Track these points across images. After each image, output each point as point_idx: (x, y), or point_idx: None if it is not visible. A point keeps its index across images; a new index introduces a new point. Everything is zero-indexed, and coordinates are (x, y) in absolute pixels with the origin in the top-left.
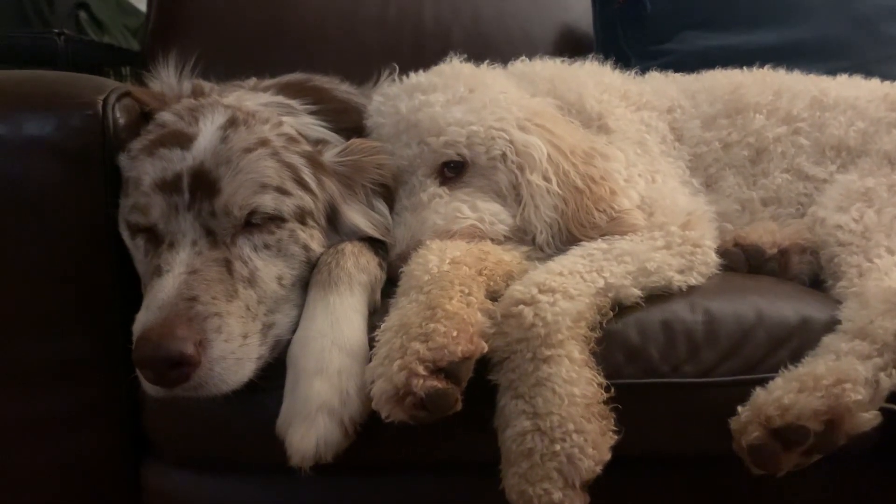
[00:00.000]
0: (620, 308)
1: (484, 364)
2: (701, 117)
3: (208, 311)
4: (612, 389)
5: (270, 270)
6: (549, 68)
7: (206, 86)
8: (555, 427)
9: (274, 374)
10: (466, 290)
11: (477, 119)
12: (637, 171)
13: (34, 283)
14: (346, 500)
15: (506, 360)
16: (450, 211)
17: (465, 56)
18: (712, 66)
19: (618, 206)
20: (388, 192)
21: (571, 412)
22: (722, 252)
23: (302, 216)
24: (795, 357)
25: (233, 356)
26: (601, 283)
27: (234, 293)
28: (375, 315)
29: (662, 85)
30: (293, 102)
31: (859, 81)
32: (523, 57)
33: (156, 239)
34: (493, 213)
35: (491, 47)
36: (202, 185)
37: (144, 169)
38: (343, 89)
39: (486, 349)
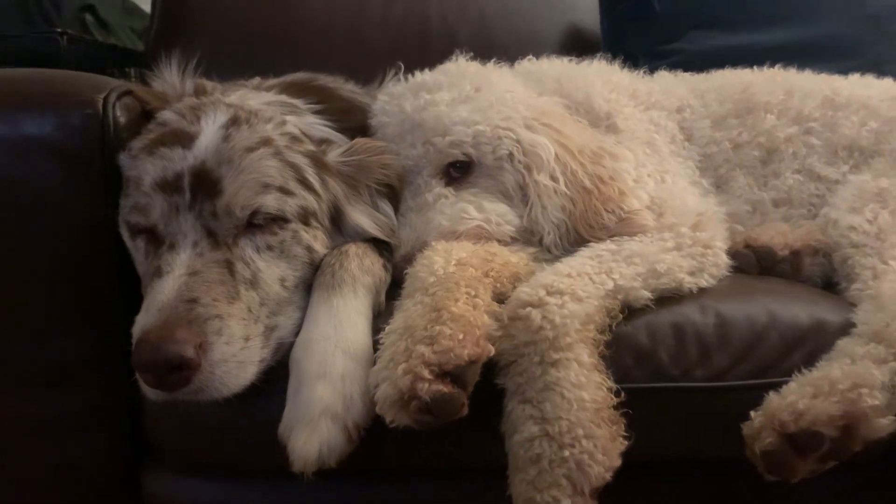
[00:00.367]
0: (630, 310)
1: (491, 368)
2: (711, 117)
3: (209, 314)
4: (622, 394)
5: (273, 272)
6: (557, 67)
7: (209, 85)
8: (563, 432)
9: (277, 377)
10: (472, 292)
11: (483, 118)
12: (646, 172)
13: (33, 285)
14: None
15: (513, 363)
16: (455, 212)
17: (471, 55)
18: (721, 66)
19: (627, 207)
20: (393, 192)
21: (580, 417)
22: (732, 254)
23: (305, 217)
24: (809, 361)
25: (234, 359)
26: (610, 284)
27: (235, 295)
28: (380, 317)
29: (671, 84)
30: (297, 102)
31: (872, 80)
32: (530, 56)
33: (156, 240)
34: (499, 214)
35: (497, 47)
36: (203, 184)
37: (145, 168)
38: (348, 89)
39: (492, 352)
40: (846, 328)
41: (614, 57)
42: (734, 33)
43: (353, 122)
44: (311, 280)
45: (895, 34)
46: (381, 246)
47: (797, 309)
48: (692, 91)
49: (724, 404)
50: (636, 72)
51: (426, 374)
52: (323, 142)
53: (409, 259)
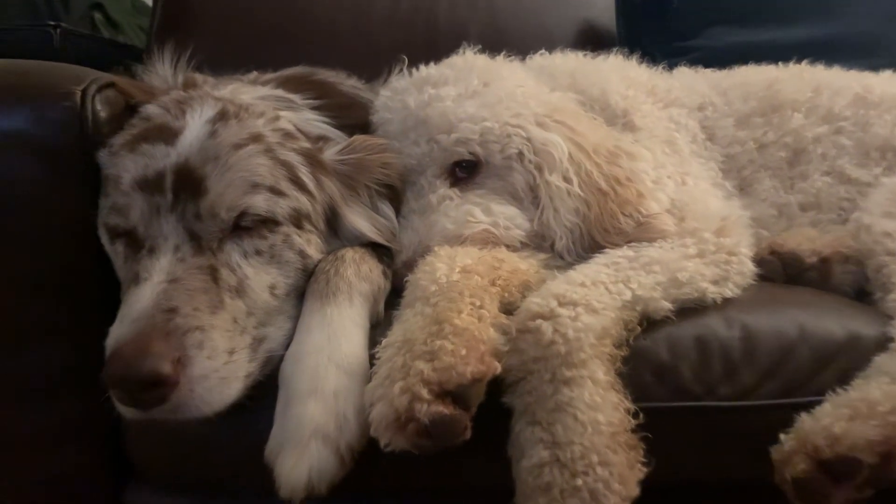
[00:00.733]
0: (649, 323)
1: (497, 385)
2: (734, 115)
3: (189, 325)
4: (641, 415)
5: (262, 279)
6: (571, 62)
7: (200, 78)
8: (576, 459)
9: (266, 392)
10: (478, 303)
11: (491, 114)
12: (666, 173)
13: (9, 290)
14: None
15: (521, 381)
16: (461, 214)
17: (480, 48)
18: (742, 64)
19: (645, 210)
20: (395, 193)
21: (595, 442)
22: (757, 261)
23: (298, 219)
24: (843, 379)
25: (216, 375)
26: (628, 295)
27: (219, 304)
28: (378, 328)
29: (692, 81)
30: (294, 97)
31: None
32: (542, 51)
33: (136, 244)
34: (508, 217)
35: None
36: (187, 184)
37: (124, 166)
38: (349, 84)
39: (498, 370)
40: (883, 343)
41: (630, 54)
42: (755, 29)
43: (354, 119)
44: (304, 288)
45: None
46: (380, 251)
47: (829, 321)
48: (714, 88)
49: (751, 425)
50: (654, 68)
51: (425, 393)
52: (320, 139)
53: (410, 265)
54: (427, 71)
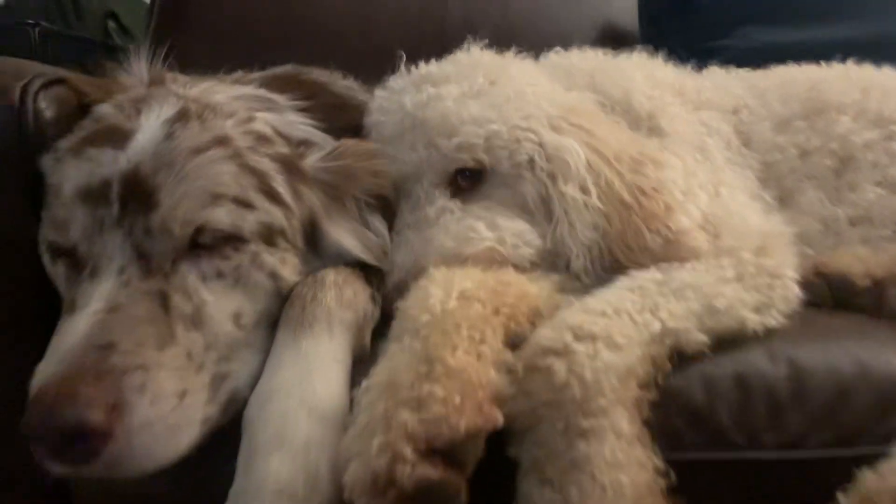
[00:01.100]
0: (681, 358)
1: (500, 434)
2: (772, 119)
3: (128, 364)
4: (672, 473)
5: (224, 306)
6: (590, 60)
7: (169, 75)
8: None
9: (231, 439)
10: (477, 336)
11: (498, 116)
12: (697, 183)
13: None
14: None
15: (530, 430)
16: (462, 229)
17: (487, 43)
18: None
19: (675, 226)
20: (387, 205)
21: None
22: (801, 283)
23: (269, 235)
24: None
25: (162, 423)
26: (657, 326)
27: (169, 337)
28: (363, 364)
29: (725, 81)
30: (278, 97)
31: None
32: (558, 48)
33: (77, 264)
34: (516, 233)
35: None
36: (136, 194)
37: (66, 174)
38: (343, 84)
39: (500, 422)
40: None
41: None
42: (789, 29)
43: (345, 122)
44: (278, 315)
45: None
46: (369, 272)
47: (893, 356)
48: (750, 89)
49: (802, 480)
50: (682, 68)
51: (408, 452)
52: (302, 144)
53: (402, 288)
54: (427, 68)
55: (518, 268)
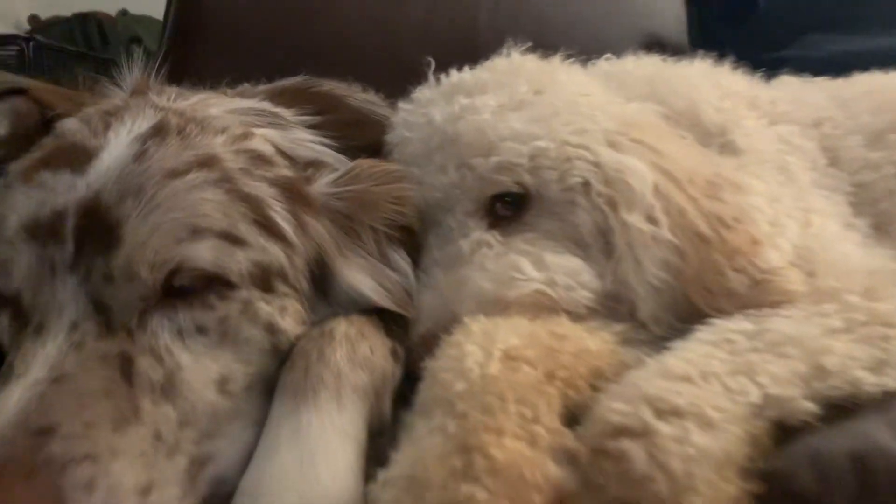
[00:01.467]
0: (785, 433)
1: None
2: (863, 132)
3: (72, 452)
4: None
5: (206, 369)
6: (647, 67)
7: (156, 85)
8: None
9: None
10: (529, 413)
11: (545, 131)
12: (784, 210)
13: None
14: None
15: None
16: (503, 268)
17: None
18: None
19: (763, 263)
20: (411, 238)
21: None
22: None
23: (266, 278)
24: None
25: None
26: (756, 394)
27: (131, 414)
28: (382, 437)
29: (801, 91)
30: (285, 111)
31: None
32: (608, 55)
33: (21, 317)
34: (569, 272)
35: None
36: (95, 229)
37: (13, 203)
38: (361, 97)
39: None
40: None
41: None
42: (858, 36)
43: (363, 140)
44: (276, 377)
45: None
46: (389, 320)
47: None
48: (832, 99)
49: None
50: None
51: None
52: (311, 165)
53: (430, 341)
54: (459, 76)
55: (571, 315)
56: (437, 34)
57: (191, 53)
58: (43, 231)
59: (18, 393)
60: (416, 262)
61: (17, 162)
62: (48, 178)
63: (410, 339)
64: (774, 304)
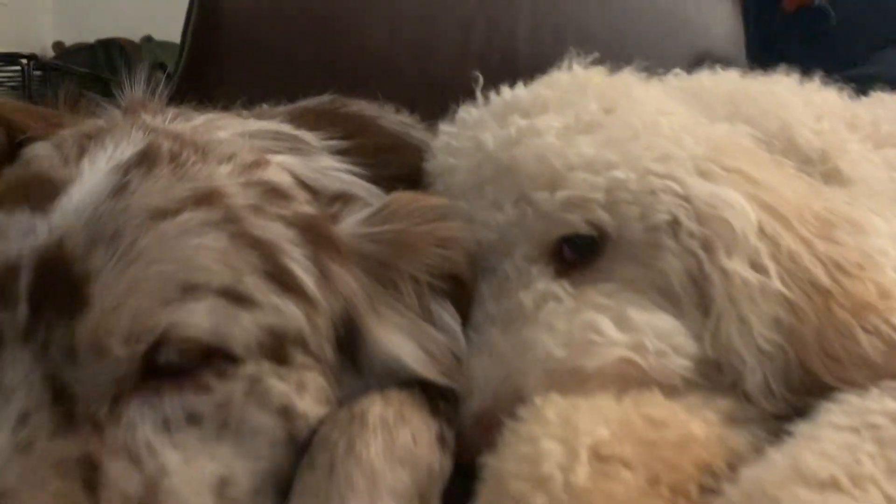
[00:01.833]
0: None
1: None
2: None
3: None
4: None
5: (199, 472)
6: (726, 82)
7: (154, 105)
8: None
9: None
10: None
11: (623, 158)
12: None
13: None
14: None
15: None
16: (578, 329)
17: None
18: None
19: None
20: (460, 289)
21: None
22: None
23: (279, 347)
24: None
25: None
26: None
27: None
28: None
29: None
30: (308, 135)
31: None
32: (677, 70)
33: None
34: (660, 334)
35: None
36: (56, 287)
37: None
38: (395, 120)
39: None
40: None
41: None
42: None
43: (399, 168)
44: (292, 473)
45: None
46: (434, 393)
47: None
48: None
49: None
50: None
51: None
52: (338, 198)
53: (488, 424)
54: (514, 93)
55: (664, 388)
56: (473, 54)
57: (209, 74)
58: None
59: None
60: (465, 318)
61: None
62: (1, 220)
63: (461, 419)
64: None
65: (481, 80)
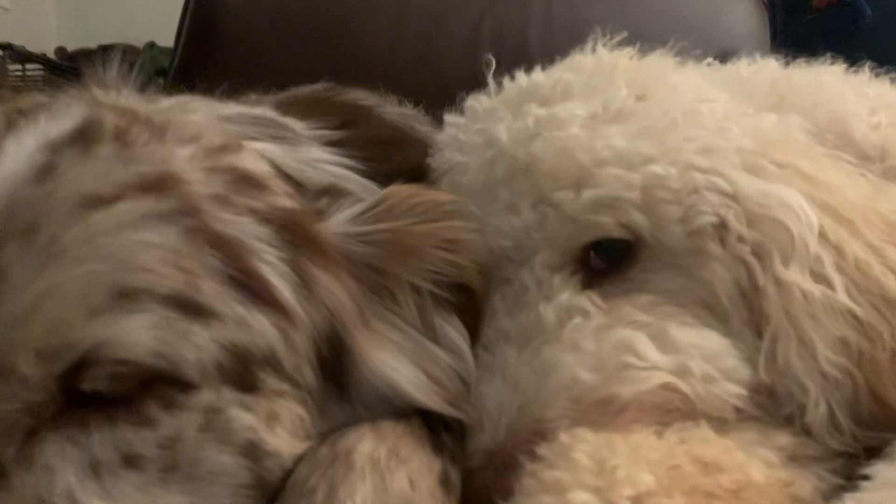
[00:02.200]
0: None
1: None
2: None
3: None
4: None
5: None
6: (768, 71)
7: (115, 83)
8: None
9: None
10: None
11: (660, 150)
12: None
13: None
14: None
15: None
16: (610, 349)
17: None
18: None
19: None
20: (470, 301)
21: None
22: None
23: (244, 370)
24: None
25: None
26: None
27: None
28: None
29: None
30: (296, 123)
31: None
32: (708, 59)
33: None
34: (708, 356)
35: None
36: None
37: None
38: (397, 111)
39: None
40: None
41: None
42: None
43: (399, 162)
44: None
45: None
46: (436, 423)
47: None
48: None
49: None
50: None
51: None
52: (326, 192)
53: (501, 463)
54: (531, 79)
55: (712, 420)
56: (481, 49)
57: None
58: None
59: None
60: (475, 336)
61: None
62: None
63: (470, 458)
64: None
65: (493, 63)
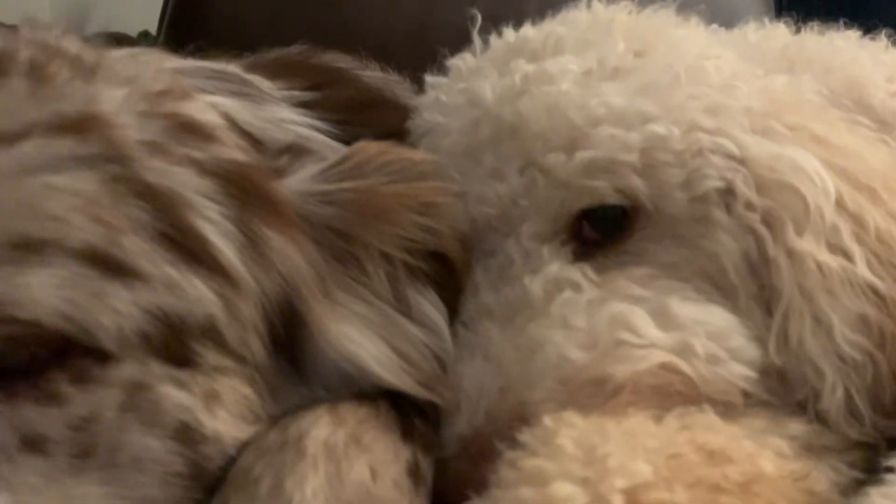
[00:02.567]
0: None
1: None
2: None
3: None
4: None
5: None
6: (777, 36)
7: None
8: None
9: None
10: None
11: (662, 109)
12: None
13: None
14: None
15: None
16: (603, 325)
17: None
18: None
19: None
20: (448, 272)
21: None
22: None
23: (177, 342)
24: None
25: None
26: None
27: None
28: None
29: None
30: (263, 82)
31: None
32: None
33: None
34: (713, 333)
35: None
36: None
37: None
38: (374, 75)
39: None
40: None
41: None
42: None
43: (378, 127)
44: None
45: None
46: (407, 408)
47: None
48: None
49: None
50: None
51: None
52: (287, 151)
53: (478, 451)
54: (519, 34)
55: (718, 404)
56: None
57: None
58: None
59: None
60: (453, 310)
61: None
62: None
63: (445, 445)
64: None
65: (479, 19)
